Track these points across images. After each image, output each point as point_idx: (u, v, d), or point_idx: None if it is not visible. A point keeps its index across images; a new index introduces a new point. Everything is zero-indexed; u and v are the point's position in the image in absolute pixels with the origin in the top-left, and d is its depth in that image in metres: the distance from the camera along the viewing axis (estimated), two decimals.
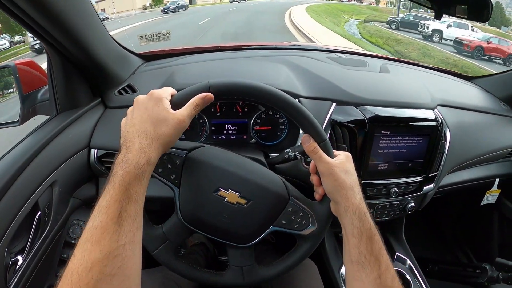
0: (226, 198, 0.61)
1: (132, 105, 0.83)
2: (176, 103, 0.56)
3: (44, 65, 0.96)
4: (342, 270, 0.96)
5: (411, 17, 14.29)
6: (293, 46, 1.21)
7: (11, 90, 1.01)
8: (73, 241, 0.86)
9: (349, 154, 0.62)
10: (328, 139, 0.62)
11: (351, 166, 0.61)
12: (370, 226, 0.57)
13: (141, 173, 0.48)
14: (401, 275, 0.99)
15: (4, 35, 11.41)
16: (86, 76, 0.89)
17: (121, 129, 0.55)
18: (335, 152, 0.63)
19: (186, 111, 0.55)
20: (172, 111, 0.54)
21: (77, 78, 0.88)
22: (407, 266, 1.03)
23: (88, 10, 0.76)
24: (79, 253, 0.41)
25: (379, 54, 1.29)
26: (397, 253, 1.05)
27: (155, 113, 0.52)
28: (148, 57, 1.04)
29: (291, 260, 0.67)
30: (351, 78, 0.96)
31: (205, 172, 0.62)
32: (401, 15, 16.15)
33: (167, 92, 0.57)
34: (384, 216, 0.95)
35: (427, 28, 12.54)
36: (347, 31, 13.16)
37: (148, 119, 0.52)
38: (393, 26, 14.46)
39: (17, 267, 0.72)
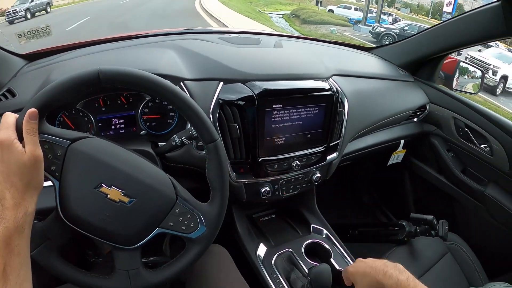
0: (108, 195, 0.57)
1: (12, 111, 0.74)
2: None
3: None
4: (259, 251, 0.96)
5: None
6: (186, 31, 1.17)
7: None
8: None
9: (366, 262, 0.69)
10: (220, 138, 0.60)
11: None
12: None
13: (21, 226, 0.48)
14: (319, 245, 1.02)
15: None
16: None
17: None
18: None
19: (30, 145, 0.51)
20: (23, 150, 0.50)
21: None
22: (324, 236, 1.06)
23: None
24: None
25: (276, 32, 1.30)
26: (312, 225, 1.07)
27: (14, 164, 0.49)
28: (31, 57, 0.94)
29: (179, 264, 0.64)
30: (240, 55, 0.95)
31: (88, 165, 0.57)
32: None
33: (12, 128, 0.51)
34: (291, 191, 0.96)
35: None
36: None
37: (10, 173, 0.49)
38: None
39: None
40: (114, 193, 0.57)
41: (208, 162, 0.63)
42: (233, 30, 1.19)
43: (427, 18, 18.51)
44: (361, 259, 0.71)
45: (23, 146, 0.50)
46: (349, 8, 16.90)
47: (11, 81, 0.87)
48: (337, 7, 17.39)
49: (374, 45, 1.41)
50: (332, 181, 1.07)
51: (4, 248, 0.46)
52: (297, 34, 9.81)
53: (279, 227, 1.09)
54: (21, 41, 1.03)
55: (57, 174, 0.56)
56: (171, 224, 0.61)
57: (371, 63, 1.28)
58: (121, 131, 0.86)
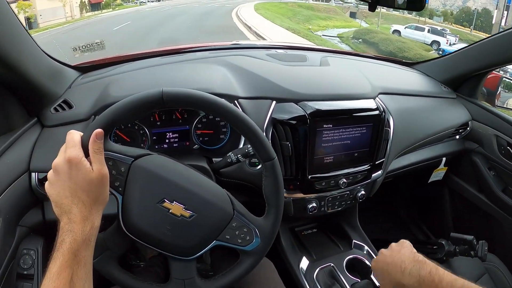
0: (170, 210, 0.61)
1: (69, 123, 0.79)
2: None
3: None
4: (302, 264, 0.98)
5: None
6: (233, 45, 1.21)
7: None
8: (25, 272, 0.81)
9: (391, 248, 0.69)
10: (276, 157, 0.63)
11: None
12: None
13: (88, 239, 0.52)
14: (360, 262, 1.03)
15: None
16: (17, 95, 0.84)
17: (51, 198, 0.54)
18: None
19: (97, 164, 0.55)
20: (91, 168, 0.54)
21: (8, 99, 0.83)
22: (365, 252, 1.07)
23: (9, 20, 0.71)
24: None
25: (319, 47, 1.31)
26: (354, 241, 1.09)
27: (82, 181, 0.53)
28: (84, 69, 1.00)
29: (233, 275, 0.67)
30: (290, 74, 0.97)
31: (151, 182, 0.61)
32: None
33: (78, 146, 0.54)
34: (336, 207, 0.98)
35: None
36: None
37: (78, 189, 0.53)
38: None
39: None
40: (176, 208, 0.61)
41: (265, 179, 0.66)
42: (279, 46, 1.21)
43: (462, 27, 17.48)
44: (383, 250, 0.70)
45: (90, 164, 0.54)
46: (422, 29, 13.66)
47: (66, 93, 0.93)
48: (405, 27, 14.21)
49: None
50: (372, 196, 1.09)
51: (73, 259, 0.49)
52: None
53: (321, 241, 1.11)
54: (75, 54, 1.10)
55: (120, 189, 0.61)
56: (228, 237, 0.64)
57: (414, 80, 1.28)
58: (174, 145, 0.90)
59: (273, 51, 1.14)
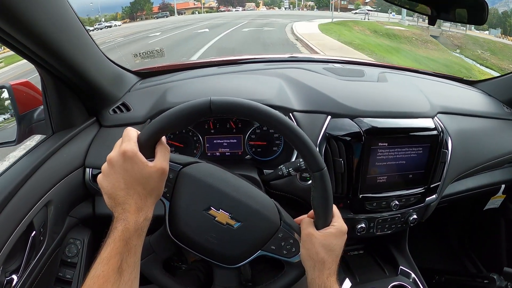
0: (216, 218, 0.60)
1: (126, 124, 0.81)
2: (144, 141, 0.55)
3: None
4: (344, 285, 0.94)
5: None
6: (290, 58, 1.20)
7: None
8: (69, 260, 0.85)
9: (343, 229, 0.62)
10: (325, 168, 0.60)
11: (336, 242, 0.61)
12: None
13: (140, 229, 0.52)
14: None
15: None
16: (80, 96, 0.89)
17: (104, 191, 0.55)
18: (335, 219, 0.62)
19: (161, 160, 0.55)
20: (151, 164, 0.54)
21: (71, 98, 0.88)
22: (411, 280, 1.00)
23: (77, 29, 0.76)
24: None
25: (377, 62, 1.26)
26: (400, 267, 1.02)
27: (138, 173, 0.53)
28: (144, 74, 1.04)
29: (277, 286, 0.65)
30: (346, 89, 0.95)
31: (198, 189, 0.61)
32: None
33: (134, 141, 0.55)
34: (385, 229, 0.92)
35: None
36: None
37: (134, 181, 0.53)
38: None
39: (12, 286, 0.72)
40: (222, 216, 0.60)
41: (314, 190, 0.63)
42: (336, 60, 1.19)
43: None
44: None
45: (147, 158, 0.54)
46: None
47: (125, 96, 0.97)
48: None
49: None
50: (423, 222, 1.02)
51: (123, 247, 0.49)
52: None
53: (366, 263, 1.06)
54: (136, 60, 1.15)
55: (168, 195, 0.61)
56: (273, 247, 0.62)
57: (475, 99, 1.20)
58: (227, 154, 0.91)
59: (330, 65, 1.12)
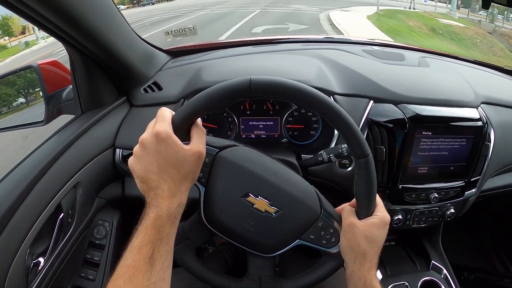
0: (254, 205, 0.58)
1: (158, 104, 0.78)
2: (179, 122, 0.52)
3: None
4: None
5: None
6: (326, 39, 1.15)
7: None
8: (97, 242, 0.84)
9: (386, 219, 0.59)
10: (371, 154, 0.56)
11: (378, 233, 0.58)
12: None
13: (173, 216, 0.50)
14: (436, 286, 0.94)
15: None
16: (110, 74, 0.86)
17: (136, 174, 0.52)
18: (377, 208, 0.59)
19: (198, 142, 0.52)
20: (186, 147, 0.51)
21: (101, 77, 0.86)
22: (442, 276, 0.97)
23: (108, 6, 0.74)
24: None
25: (415, 46, 1.20)
26: (432, 261, 0.99)
27: (172, 156, 0.50)
28: (175, 53, 1.01)
29: (314, 276, 0.63)
30: (389, 73, 0.90)
31: (236, 175, 0.58)
32: None
33: (168, 122, 0.51)
34: (421, 223, 0.89)
35: None
36: None
37: (168, 164, 0.50)
38: None
39: (39, 269, 0.71)
40: (260, 203, 0.57)
41: (357, 178, 0.60)
42: (373, 42, 1.14)
43: None
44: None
45: (182, 141, 0.50)
46: None
47: (156, 75, 0.94)
48: None
49: None
50: (462, 216, 0.98)
51: (155, 235, 0.47)
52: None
53: (397, 256, 1.03)
54: (167, 39, 1.12)
55: (203, 180, 0.58)
56: (312, 237, 0.60)
57: None
58: (262, 136, 0.87)
59: (368, 47, 1.07)
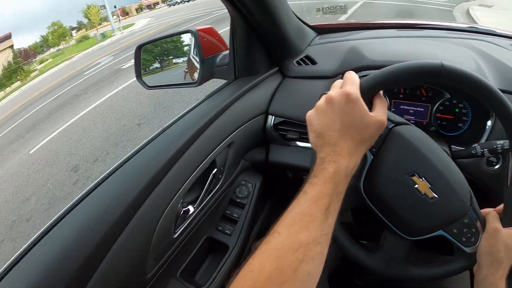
0: (417, 185, 0.57)
1: (313, 77, 0.78)
2: (366, 89, 0.53)
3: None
4: None
5: None
6: (471, 28, 1.06)
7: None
8: (238, 200, 0.89)
9: None
10: None
11: None
12: None
13: (349, 175, 0.50)
14: None
15: None
16: (266, 44, 0.90)
17: (313, 128, 0.53)
18: None
19: (382, 112, 0.53)
20: (371, 113, 0.51)
21: (258, 45, 0.90)
22: None
23: None
24: (285, 233, 0.43)
25: None
26: None
27: (357, 119, 0.50)
28: (321, 30, 1.03)
29: (442, 270, 0.61)
30: None
31: (407, 152, 0.59)
32: None
33: (357, 86, 0.52)
34: None
35: None
36: None
37: (351, 126, 0.50)
38: None
39: (186, 216, 0.77)
40: (423, 185, 0.57)
41: None
42: None
43: None
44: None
45: (369, 109, 0.51)
46: None
47: (307, 49, 0.95)
48: None
49: None
50: None
51: (333, 189, 0.47)
52: None
53: None
54: (317, 15, 1.14)
55: (374, 150, 0.59)
56: (455, 231, 0.58)
57: None
58: (411, 121, 0.85)
59: None
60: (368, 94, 0.53)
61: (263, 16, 0.81)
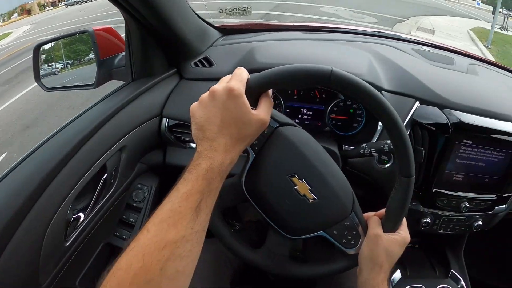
0: (296, 187, 0.59)
1: (208, 79, 0.79)
2: (253, 86, 0.53)
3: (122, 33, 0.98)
4: (394, 275, 0.94)
5: None
6: (377, 33, 1.14)
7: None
8: (134, 204, 0.89)
9: (407, 240, 0.62)
10: (414, 176, 0.58)
11: (397, 250, 0.60)
12: None
13: (224, 172, 0.50)
14: None
15: None
16: (163, 46, 0.90)
17: (195, 120, 0.52)
18: (401, 227, 0.62)
19: (265, 110, 0.53)
20: (253, 112, 0.52)
21: (154, 47, 0.89)
22: (459, 286, 0.97)
23: None
24: (154, 230, 0.43)
25: (465, 52, 1.18)
26: (452, 270, 0.99)
27: (238, 116, 0.50)
28: (226, 31, 1.03)
29: (322, 270, 0.65)
30: (437, 76, 0.90)
31: (289, 153, 0.60)
32: None
33: (243, 83, 0.52)
34: (448, 229, 0.89)
35: None
36: None
37: (232, 122, 0.50)
38: None
39: (78, 223, 0.75)
40: (302, 187, 0.59)
41: (394, 193, 0.61)
42: (424, 42, 1.13)
43: None
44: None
45: (250, 106, 0.51)
46: None
47: (207, 50, 0.96)
48: None
49: None
50: (486, 230, 0.97)
51: (206, 186, 0.47)
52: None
53: (418, 259, 1.04)
54: (220, 16, 1.14)
55: (256, 148, 0.60)
56: (336, 233, 0.61)
57: None
58: (306, 122, 0.89)
59: (418, 46, 1.07)
60: (254, 91, 0.54)
61: (155, 19, 0.80)
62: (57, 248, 0.70)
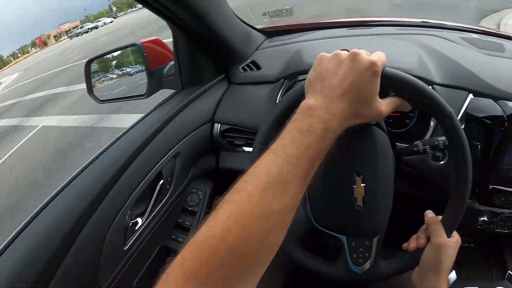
0: (355, 186, 0.59)
1: (257, 83, 0.81)
2: (387, 75, 0.50)
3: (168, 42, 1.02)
4: (450, 275, 0.90)
5: None
6: (422, 23, 1.10)
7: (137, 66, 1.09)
8: (190, 208, 0.91)
9: (459, 242, 0.63)
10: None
11: (454, 253, 0.61)
12: None
13: (332, 143, 0.44)
14: None
15: None
16: (210, 53, 0.93)
17: (320, 65, 0.48)
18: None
19: (389, 108, 0.50)
20: (379, 100, 0.48)
21: (202, 55, 0.92)
22: None
23: None
24: (257, 197, 0.37)
25: None
26: (509, 271, 0.95)
27: (368, 92, 0.46)
28: (270, 33, 1.05)
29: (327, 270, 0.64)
30: (489, 65, 0.86)
31: (369, 154, 0.60)
32: None
33: (383, 66, 0.49)
34: (506, 228, 0.86)
35: None
36: None
37: (359, 94, 0.45)
38: None
39: (135, 228, 0.79)
40: (359, 190, 0.59)
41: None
42: (471, 29, 1.08)
43: None
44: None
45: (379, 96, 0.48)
46: None
47: (254, 54, 0.98)
48: None
49: None
50: None
51: (317, 154, 0.42)
52: None
53: (474, 258, 1.00)
54: (264, 19, 1.17)
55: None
56: (353, 244, 0.62)
57: None
58: None
59: (466, 34, 1.02)
60: (384, 80, 0.50)
61: (200, 28, 0.83)
62: (116, 252, 0.73)
